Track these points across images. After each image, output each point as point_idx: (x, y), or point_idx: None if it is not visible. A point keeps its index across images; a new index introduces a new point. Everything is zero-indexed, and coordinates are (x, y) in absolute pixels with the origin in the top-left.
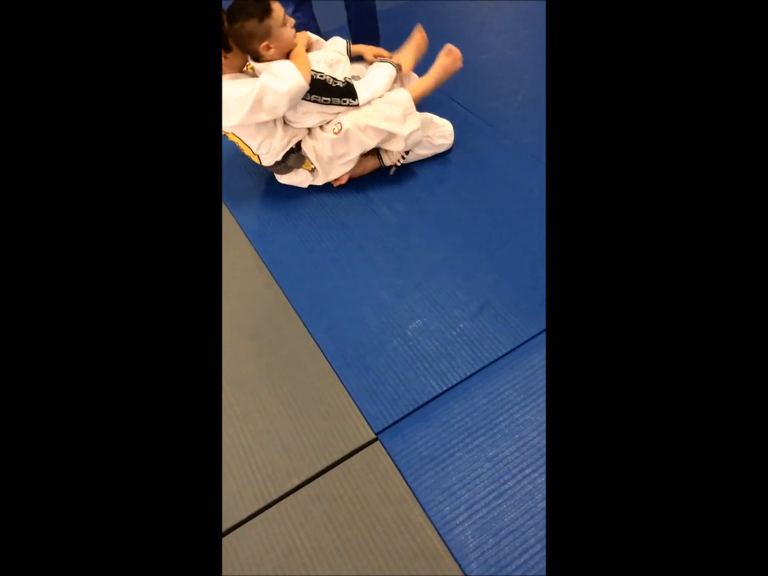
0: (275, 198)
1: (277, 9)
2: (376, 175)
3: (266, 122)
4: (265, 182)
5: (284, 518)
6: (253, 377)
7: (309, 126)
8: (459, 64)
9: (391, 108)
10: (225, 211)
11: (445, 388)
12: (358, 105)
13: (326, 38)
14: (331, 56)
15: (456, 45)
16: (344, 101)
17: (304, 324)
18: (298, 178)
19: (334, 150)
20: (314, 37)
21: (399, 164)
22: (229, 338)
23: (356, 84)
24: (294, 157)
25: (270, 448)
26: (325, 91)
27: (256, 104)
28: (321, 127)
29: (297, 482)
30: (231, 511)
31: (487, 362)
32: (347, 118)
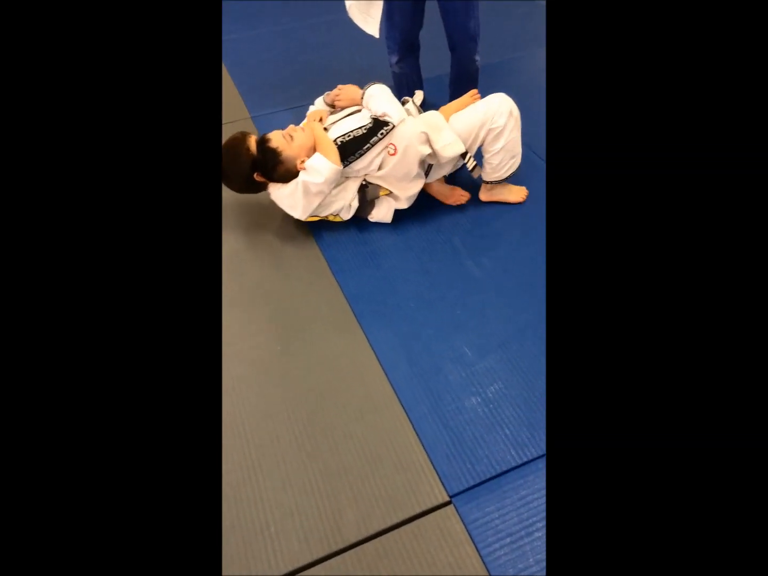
0: (363, 236)
1: (275, 139)
2: (464, 227)
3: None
4: (353, 220)
5: (349, 571)
6: (325, 413)
7: (376, 168)
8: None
9: (430, 119)
10: (312, 242)
11: (525, 459)
12: (395, 125)
13: (425, 86)
14: (351, 112)
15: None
16: (382, 134)
17: (381, 366)
18: (382, 212)
19: (397, 170)
20: (318, 104)
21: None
22: (303, 371)
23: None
24: (369, 190)
25: (339, 493)
26: (361, 142)
27: (306, 195)
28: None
29: (366, 534)
30: (295, 554)
31: None
32: (396, 137)
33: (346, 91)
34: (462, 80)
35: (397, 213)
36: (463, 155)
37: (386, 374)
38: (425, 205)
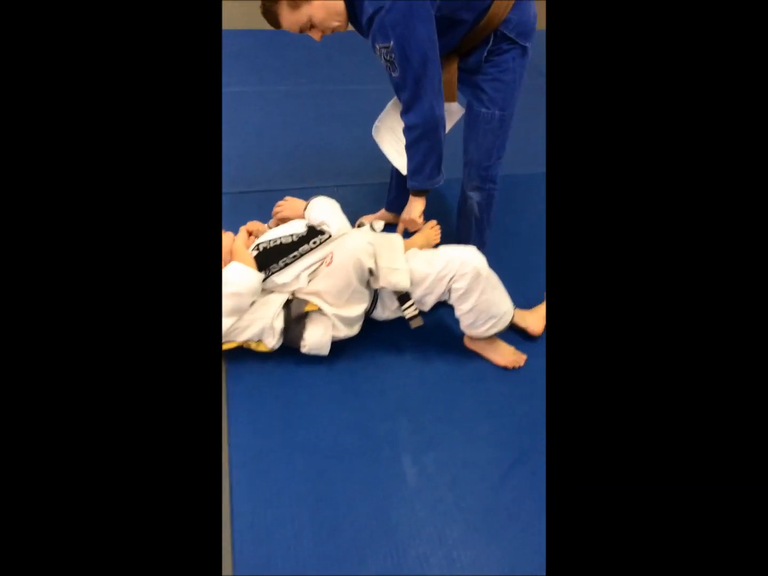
0: (286, 385)
1: None
2: (416, 397)
3: (253, 305)
4: (281, 354)
5: None
6: None
7: (307, 284)
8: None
9: (385, 238)
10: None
11: None
12: (331, 235)
13: None
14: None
15: None
16: (314, 243)
17: None
18: (316, 336)
19: (331, 282)
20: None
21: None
22: None
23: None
24: (294, 304)
25: None
26: (287, 250)
27: None
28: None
29: None
30: None
31: None
32: (337, 245)
33: (289, 203)
34: (459, 210)
35: (337, 362)
36: (403, 298)
37: None
38: (376, 355)
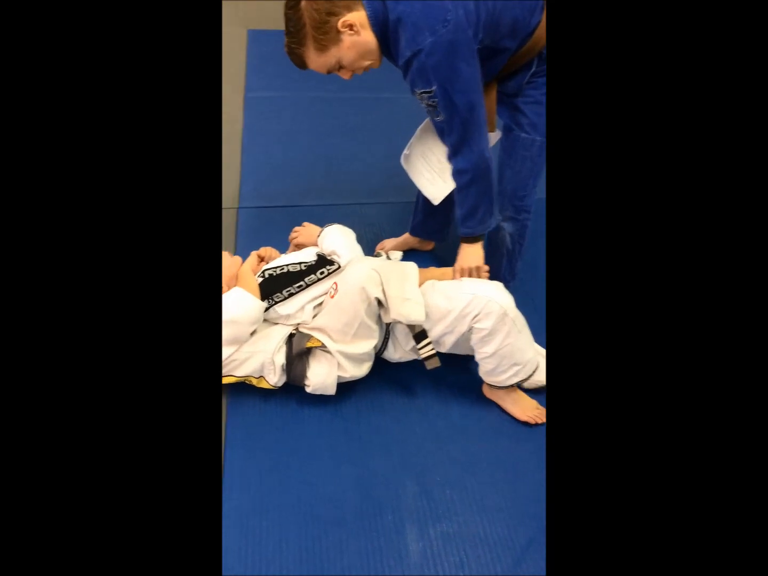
0: (287, 430)
1: None
2: (426, 455)
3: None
4: (285, 392)
5: None
6: None
7: (312, 318)
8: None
9: (397, 266)
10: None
11: None
12: (340, 266)
13: None
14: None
15: None
16: (322, 273)
17: None
18: (320, 376)
19: (336, 316)
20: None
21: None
22: None
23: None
24: (296, 339)
25: None
26: (293, 279)
27: None
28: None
29: None
30: None
31: None
32: (342, 276)
33: (306, 229)
34: (489, 241)
35: (344, 404)
36: (419, 336)
37: None
38: (385, 398)
